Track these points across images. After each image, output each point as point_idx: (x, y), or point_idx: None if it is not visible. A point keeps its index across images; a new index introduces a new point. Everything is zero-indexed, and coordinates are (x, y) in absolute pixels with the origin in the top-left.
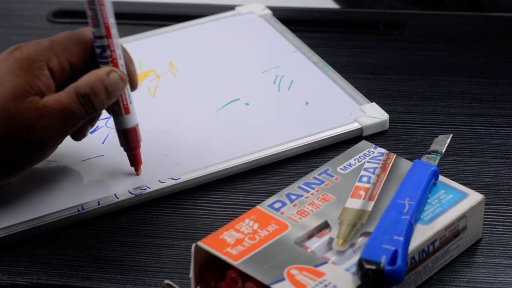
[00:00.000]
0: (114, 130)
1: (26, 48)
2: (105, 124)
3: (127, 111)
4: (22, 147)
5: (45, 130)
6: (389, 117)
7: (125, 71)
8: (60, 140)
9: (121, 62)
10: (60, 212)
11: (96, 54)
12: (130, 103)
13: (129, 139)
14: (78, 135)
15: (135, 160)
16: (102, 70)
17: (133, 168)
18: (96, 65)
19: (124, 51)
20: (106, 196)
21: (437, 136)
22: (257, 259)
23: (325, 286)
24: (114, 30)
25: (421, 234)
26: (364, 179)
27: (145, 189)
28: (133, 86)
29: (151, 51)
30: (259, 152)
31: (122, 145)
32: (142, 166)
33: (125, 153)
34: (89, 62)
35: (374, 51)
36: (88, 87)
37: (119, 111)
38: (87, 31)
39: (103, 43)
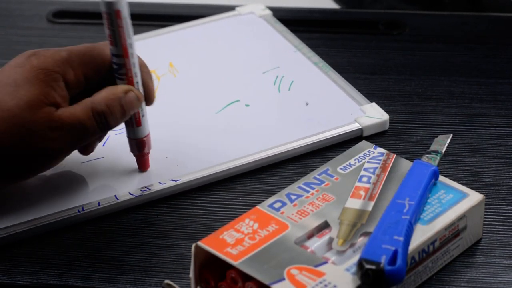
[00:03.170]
0: (115, 132)
1: (44, 56)
2: None
3: (138, 124)
4: (30, 155)
5: (56, 141)
6: (389, 117)
7: (140, 88)
8: (68, 152)
9: (136, 79)
10: (60, 213)
11: (113, 70)
12: (143, 116)
13: (139, 147)
14: (86, 150)
15: (143, 164)
16: (120, 88)
17: (134, 167)
18: (112, 80)
19: (143, 66)
20: (107, 197)
21: (437, 136)
22: (257, 259)
23: (325, 286)
24: (131, 50)
25: (421, 234)
26: (364, 179)
27: (145, 190)
28: (149, 102)
29: (151, 51)
30: (260, 153)
31: (132, 151)
32: None
33: (125, 154)
34: (105, 77)
35: (374, 51)
36: (105, 105)
37: (130, 123)
38: (106, 46)
39: (120, 62)
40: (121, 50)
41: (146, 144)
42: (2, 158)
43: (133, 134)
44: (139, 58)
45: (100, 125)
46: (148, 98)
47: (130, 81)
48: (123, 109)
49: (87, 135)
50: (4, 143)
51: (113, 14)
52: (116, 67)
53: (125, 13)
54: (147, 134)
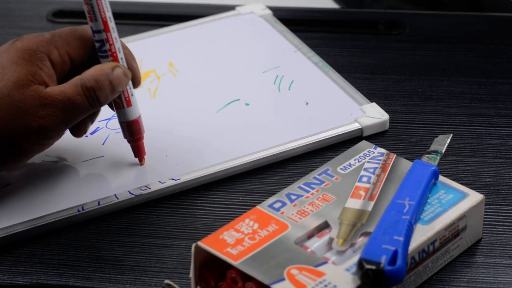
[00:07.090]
0: (115, 131)
1: (28, 39)
2: (105, 125)
3: (129, 104)
4: (24, 134)
5: (48, 119)
6: (389, 117)
7: (125, 65)
8: (61, 130)
9: (120, 55)
10: (60, 212)
11: (96, 50)
12: (132, 95)
13: (132, 130)
14: (78, 131)
15: (138, 151)
16: (107, 65)
17: (134, 163)
18: (96, 62)
19: (125, 49)
20: (106, 197)
21: (437, 136)
22: (257, 259)
23: (325, 286)
24: (112, 24)
25: (421, 234)
26: (364, 179)
27: (145, 189)
28: (136, 83)
29: (151, 51)
30: (259, 153)
31: (125, 136)
32: (142, 166)
33: (125, 153)
34: (89, 58)
35: (374, 51)
36: (94, 81)
37: (121, 104)
38: (89, 28)
39: (102, 37)
40: (101, 24)
41: (139, 126)
42: None
43: (124, 117)
44: (120, 40)
45: (90, 101)
46: (134, 79)
47: (114, 57)
48: (111, 84)
49: (78, 112)
50: None
51: None
52: (99, 45)
53: None
54: (139, 116)
